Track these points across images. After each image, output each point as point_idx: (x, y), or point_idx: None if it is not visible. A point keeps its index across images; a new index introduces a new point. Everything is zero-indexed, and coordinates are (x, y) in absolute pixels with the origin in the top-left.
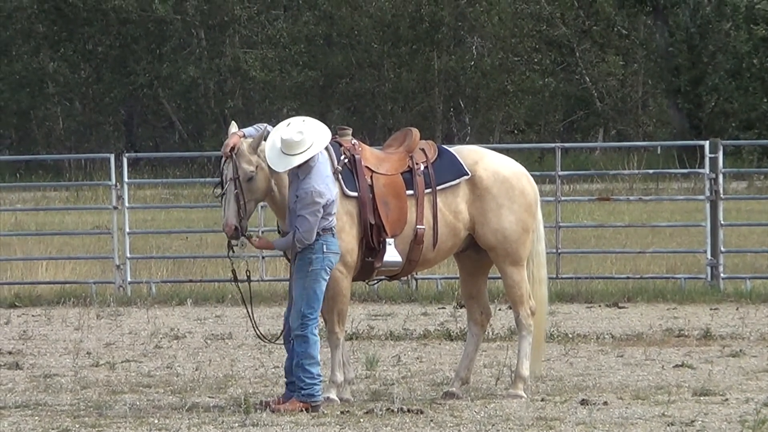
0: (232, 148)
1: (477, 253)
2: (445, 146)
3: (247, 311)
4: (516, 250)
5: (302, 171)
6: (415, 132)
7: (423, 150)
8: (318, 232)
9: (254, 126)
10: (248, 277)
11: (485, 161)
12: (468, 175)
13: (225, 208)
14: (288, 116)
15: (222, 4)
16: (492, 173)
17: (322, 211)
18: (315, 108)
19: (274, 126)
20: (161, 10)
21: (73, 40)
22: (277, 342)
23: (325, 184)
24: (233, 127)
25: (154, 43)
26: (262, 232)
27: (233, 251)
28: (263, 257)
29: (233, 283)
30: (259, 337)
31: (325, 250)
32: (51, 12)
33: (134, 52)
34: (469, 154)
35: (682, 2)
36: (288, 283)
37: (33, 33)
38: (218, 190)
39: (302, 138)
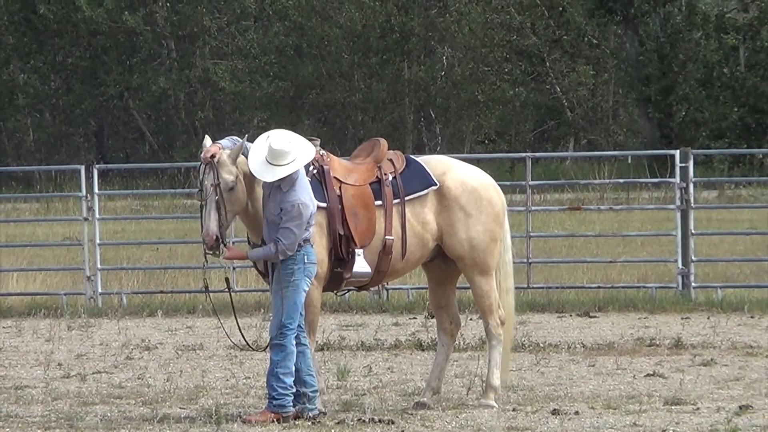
0: (213, 156)
1: (445, 263)
2: (412, 156)
3: (235, 320)
4: (484, 259)
5: (285, 183)
6: (383, 142)
7: (391, 160)
8: (300, 243)
9: (228, 138)
10: (228, 286)
11: (453, 171)
12: (436, 185)
13: (205, 217)
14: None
15: (192, 15)
16: (460, 183)
17: (306, 223)
18: (285, 119)
19: (244, 138)
20: (131, 22)
21: (43, 52)
22: (263, 350)
23: (309, 196)
24: (207, 140)
25: (124, 55)
26: (233, 243)
27: (207, 261)
28: (234, 268)
29: (206, 295)
30: (246, 344)
31: (306, 261)
32: (21, 23)
33: (104, 64)
34: (437, 164)
35: (653, 12)
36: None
37: (3, 44)
38: (201, 197)
39: (291, 149)
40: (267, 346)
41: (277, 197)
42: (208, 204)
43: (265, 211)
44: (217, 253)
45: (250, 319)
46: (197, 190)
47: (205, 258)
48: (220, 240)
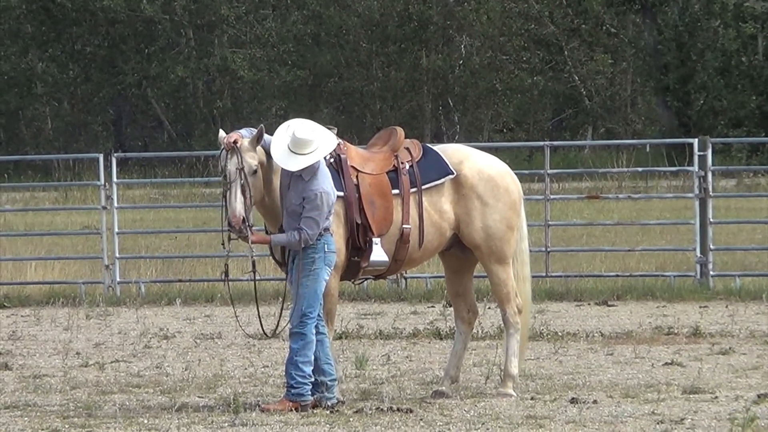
0: (235, 141)
1: (462, 252)
2: (429, 145)
3: (256, 307)
4: (501, 248)
5: (307, 172)
6: (400, 131)
7: (408, 149)
8: (320, 232)
9: (245, 129)
10: (254, 269)
11: (470, 160)
12: (453, 174)
13: (230, 200)
14: (277, 115)
15: (210, 3)
16: (477, 172)
17: (328, 212)
18: (304, 107)
19: (261, 125)
20: (149, 10)
21: (62, 41)
22: (273, 336)
23: (331, 185)
24: (222, 134)
25: (142, 43)
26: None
27: (229, 246)
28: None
29: (225, 282)
30: (263, 333)
31: (326, 250)
32: (39, 12)
33: (123, 52)
34: (453, 153)
35: (671, 0)
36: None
37: (21, 33)
38: (225, 181)
39: (314, 138)
40: (273, 333)
41: (299, 187)
42: (233, 187)
43: (284, 202)
44: (243, 235)
45: (269, 307)
46: (221, 176)
47: (227, 243)
48: (247, 222)
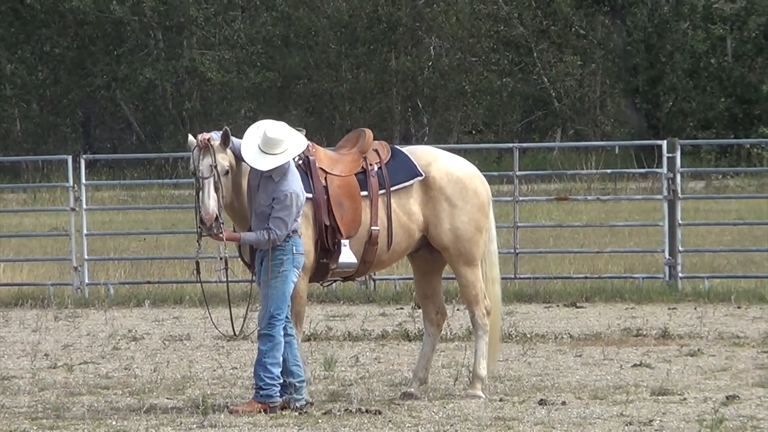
0: (209, 140)
1: (431, 254)
2: (398, 147)
3: (228, 306)
4: (469, 249)
5: (276, 173)
6: (368, 133)
7: (376, 151)
8: (288, 234)
9: (215, 132)
10: (226, 267)
11: (438, 162)
12: (422, 176)
13: (203, 198)
14: (246, 117)
15: (179, 5)
16: (445, 174)
17: (297, 213)
18: (273, 109)
19: (228, 127)
20: (119, 11)
21: (31, 42)
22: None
23: (300, 187)
24: (191, 138)
25: (111, 45)
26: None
27: (200, 246)
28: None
29: (197, 277)
30: (233, 333)
31: (294, 252)
32: (8, 14)
33: (92, 54)
34: (422, 154)
35: (640, 2)
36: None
37: None
38: (197, 180)
39: (285, 138)
40: (237, 333)
41: (269, 187)
42: (206, 186)
43: (252, 203)
44: (214, 233)
45: (237, 309)
46: (192, 175)
47: (199, 242)
48: (219, 220)
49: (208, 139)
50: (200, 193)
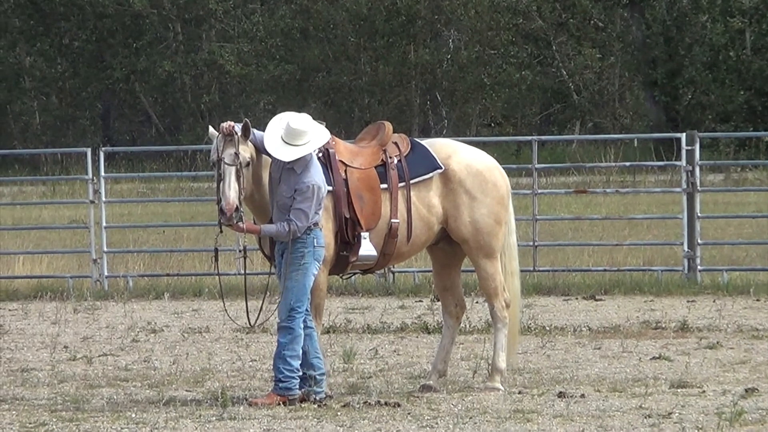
0: (232, 128)
1: (450, 246)
2: (417, 140)
3: (245, 297)
4: (489, 242)
5: (299, 165)
6: (388, 125)
7: (396, 143)
8: (309, 226)
9: (235, 124)
10: (244, 256)
11: (458, 155)
12: (441, 168)
13: (224, 188)
14: (265, 110)
15: None
16: (465, 167)
17: (318, 205)
18: (291, 102)
19: (248, 120)
20: (137, 4)
21: (50, 35)
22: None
23: (322, 179)
24: (212, 130)
25: (130, 38)
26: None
27: (222, 231)
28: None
29: (214, 264)
30: (249, 323)
31: (315, 244)
32: (27, 6)
33: (111, 47)
34: (441, 147)
35: None
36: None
37: (9, 27)
38: (219, 169)
39: (308, 129)
40: (253, 324)
41: (291, 179)
42: (228, 174)
43: (274, 196)
44: (233, 223)
45: (257, 301)
46: (213, 165)
47: (220, 231)
48: (240, 210)
49: (233, 127)
50: (221, 183)
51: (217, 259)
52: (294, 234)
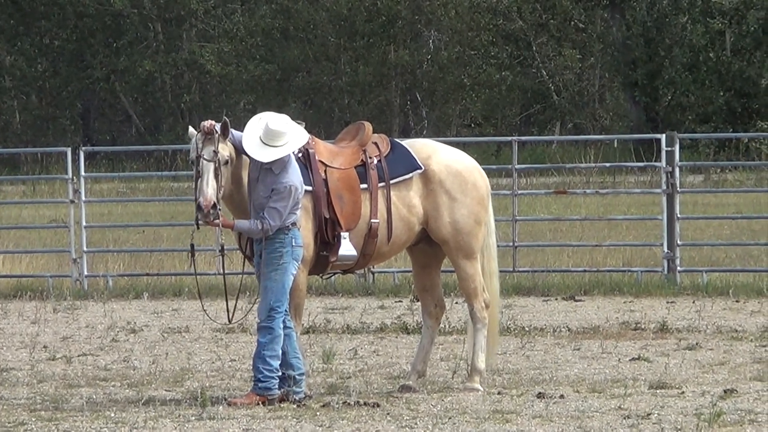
0: (213, 126)
1: (430, 247)
2: (397, 140)
3: (224, 295)
4: (469, 243)
5: (277, 165)
6: (368, 126)
7: (376, 144)
8: (288, 226)
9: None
10: (222, 254)
11: (438, 155)
12: (421, 168)
13: (202, 184)
14: (245, 109)
15: None
16: (445, 167)
17: (294, 205)
18: (272, 101)
19: (228, 119)
20: (118, 4)
21: (30, 34)
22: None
23: (300, 180)
24: (192, 130)
25: (110, 37)
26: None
27: (199, 228)
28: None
29: (191, 261)
30: (229, 320)
31: (293, 244)
32: (7, 6)
33: (91, 46)
34: (422, 148)
35: None
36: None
37: None
38: (198, 167)
39: (287, 130)
40: (232, 319)
41: (268, 179)
42: (206, 172)
43: (252, 195)
44: (210, 219)
45: (234, 301)
46: (192, 163)
47: (197, 225)
48: (218, 207)
49: (213, 126)
50: (200, 179)
51: (193, 255)
52: (266, 232)
